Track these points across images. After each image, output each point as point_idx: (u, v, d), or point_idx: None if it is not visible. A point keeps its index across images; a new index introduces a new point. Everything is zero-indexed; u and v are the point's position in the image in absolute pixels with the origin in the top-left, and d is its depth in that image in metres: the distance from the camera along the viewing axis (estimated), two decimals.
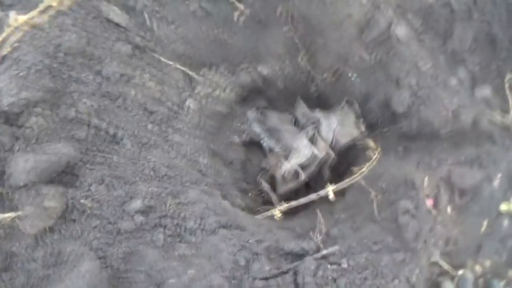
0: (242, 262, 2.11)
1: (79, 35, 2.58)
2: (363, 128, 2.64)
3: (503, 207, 2.24)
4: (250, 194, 2.92)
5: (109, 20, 2.78)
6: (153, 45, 2.85)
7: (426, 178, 2.18)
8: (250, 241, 2.17)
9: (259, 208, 2.63)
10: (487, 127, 2.34)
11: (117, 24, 2.80)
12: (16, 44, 2.57)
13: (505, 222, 2.24)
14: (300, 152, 2.59)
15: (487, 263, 2.16)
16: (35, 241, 2.35)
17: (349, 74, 2.61)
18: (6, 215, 2.35)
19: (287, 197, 2.78)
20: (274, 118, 3.07)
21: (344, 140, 2.60)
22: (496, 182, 2.26)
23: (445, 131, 2.30)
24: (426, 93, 2.31)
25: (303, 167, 2.62)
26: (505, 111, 2.45)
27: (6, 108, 2.32)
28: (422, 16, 2.45)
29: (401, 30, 2.36)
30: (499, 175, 2.27)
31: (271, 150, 2.93)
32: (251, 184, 2.94)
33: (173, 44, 2.89)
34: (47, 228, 2.32)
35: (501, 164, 2.31)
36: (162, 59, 2.86)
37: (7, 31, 2.65)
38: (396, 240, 2.13)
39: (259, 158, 3.08)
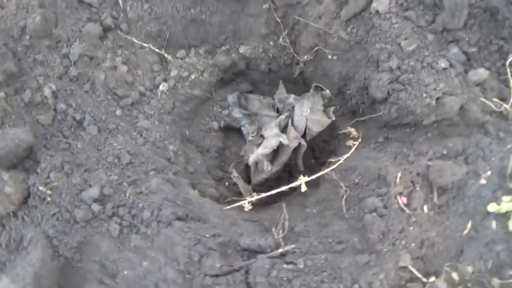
0: (196, 257, 2.00)
1: (46, 17, 2.50)
2: (333, 116, 2.41)
3: (492, 207, 1.96)
4: (227, 183, 2.78)
5: (80, 1, 2.68)
6: (126, 26, 2.73)
7: (399, 174, 1.95)
8: (206, 235, 2.05)
9: (229, 199, 2.49)
10: (478, 115, 2.05)
11: (89, 4, 2.70)
12: None
13: (493, 224, 1.97)
14: (268, 142, 2.41)
15: (469, 269, 1.92)
16: (1, 225, 2.35)
17: (329, 56, 2.37)
18: None
19: (262, 189, 2.62)
20: (256, 103, 2.90)
21: (316, 128, 2.39)
22: (484, 180, 1.98)
23: (429, 121, 2.03)
24: (408, 78, 2.04)
25: (274, 157, 2.45)
26: (503, 99, 2.14)
27: None
28: None
29: (382, 5, 2.09)
30: (489, 172, 1.99)
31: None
32: (228, 172, 2.80)
33: (147, 25, 2.77)
34: (11, 213, 2.32)
35: (492, 159, 2.02)
36: (136, 41, 2.74)
37: None
38: (361, 241, 1.93)
39: (239, 145, 2.93)
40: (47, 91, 2.44)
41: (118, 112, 2.54)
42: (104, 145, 2.44)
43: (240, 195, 2.72)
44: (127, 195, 2.22)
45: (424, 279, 1.88)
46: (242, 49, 2.86)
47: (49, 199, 2.23)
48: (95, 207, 2.17)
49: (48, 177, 2.25)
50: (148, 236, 2.12)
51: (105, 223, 2.17)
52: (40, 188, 2.22)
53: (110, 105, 2.55)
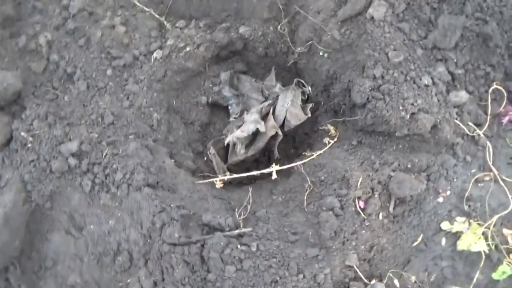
0: (158, 224, 2.10)
1: None
2: (309, 113, 2.46)
3: (445, 225, 2.07)
4: (205, 158, 2.86)
5: None
6: None
7: (361, 179, 2.03)
8: (172, 205, 2.15)
9: (203, 174, 2.58)
10: (449, 136, 2.12)
11: None
12: None
13: (443, 241, 2.08)
14: (246, 126, 2.48)
15: (412, 279, 2.04)
16: None
17: (321, 53, 2.40)
18: None
19: (238, 169, 2.71)
20: (247, 85, 2.94)
21: (293, 122, 2.45)
22: (442, 198, 2.07)
23: (401, 133, 2.10)
24: (389, 88, 2.09)
25: (251, 141, 2.52)
26: (478, 124, 2.20)
27: None
28: (408, 1, 2.17)
29: (378, 12, 2.11)
30: (448, 192, 2.08)
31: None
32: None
33: None
34: None
35: (454, 180, 2.11)
36: (137, 3, 2.75)
37: None
38: (314, 236, 2.04)
39: (224, 124, 2.99)
40: (42, 40, 2.48)
41: (109, 72, 2.59)
42: (90, 102, 2.50)
43: (215, 170, 2.82)
44: (104, 154, 2.31)
45: (366, 281, 1.99)
46: (241, 29, 2.87)
47: (29, 145, 2.32)
48: (72, 161, 2.26)
49: (32, 124, 2.33)
50: (117, 197, 2.22)
51: (78, 177, 2.27)
52: (22, 133, 2.30)
53: (102, 63, 2.59)
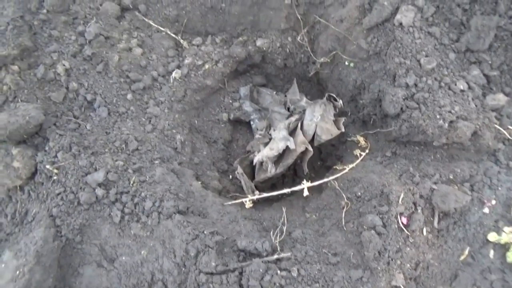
0: (193, 253, 2.03)
1: None
2: (342, 128, 2.38)
3: (492, 237, 1.97)
4: (230, 176, 2.79)
5: None
6: (144, 8, 2.68)
7: (402, 194, 1.94)
8: (205, 232, 2.08)
9: (231, 195, 2.51)
10: (491, 143, 2.02)
11: None
12: None
13: (491, 253, 1.98)
14: (275, 144, 2.40)
15: None
16: (8, 197, 2.41)
17: (346, 62, 2.32)
18: None
19: (265, 186, 2.64)
20: (268, 98, 2.87)
21: (324, 136, 2.37)
22: (487, 208, 1.97)
23: (439, 142, 2.01)
24: (423, 97, 2.00)
25: (279, 158, 2.44)
26: None
27: None
28: (437, 4, 2.08)
29: (407, 18, 2.02)
30: (494, 201, 1.98)
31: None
32: (233, 165, 2.81)
33: (166, 8, 2.71)
34: (18, 187, 2.37)
35: (499, 188, 2.01)
36: (153, 24, 2.70)
37: None
38: (357, 256, 1.95)
39: (247, 139, 2.92)
40: (60, 68, 2.43)
41: (129, 96, 2.54)
42: (113, 128, 2.45)
43: (242, 188, 2.74)
44: (131, 182, 2.25)
45: None
46: (259, 42, 2.81)
47: (55, 177, 2.27)
48: (99, 191, 2.20)
49: (56, 156, 2.28)
50: (148, 226, 2.16)
51: (107, 208, 2.21)
52: (47, 166, 2.25)
53: (122, 88, 2.54)
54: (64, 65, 2.44)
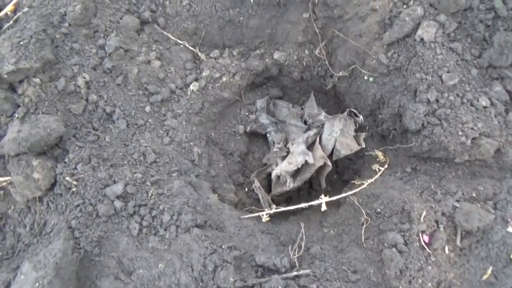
0: (211, 267, 2.02)
1: (86, 6, 2.50)
2: (363, 143, 2.36)
3: None
4: (246, 189, 2.79)
5: None
6: (163, 21, 2.71)
7: (424, 212, 1.91)
8: (223, 246, 2.07)
9: (248, 208, 2.50)
10: None
11: None
12: (26, 9, 2.56)
13: None
14: (293, 158, 2.39)
15: None
16: (27, 208, 2.43)
17: (365, 77, 2.31)
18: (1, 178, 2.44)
19: (281, 199, 2.63)
20: (285, 111, 2.86)
21: (344, 151, 2.35)
22: (511, 228, 1.93)
23: (461, 159, 1.98)
24: (445, 113, 1.98)
25: (297, 172, 2.43)
26: None
27: (6, 76, 2.34)
28: (459, 20, 2.07)
29: (428, 34, 2.01)
30: None
31: (274, 145, 2.76)
32: (249, 178, 2.80)
33: (184, 22, 2.73)
34: (37, 198, 2.39)
35: None
36: (171, 37, 2.72)
37: None
38: (377, 274, 1.92)
39: (263, 152, 2.92)
40: (80, 81, 2.46)
41: (148, 108, 2.55)
42: (131, 140, 2.47)
43: (258, 201, 2.73)
44: (149, 195, 2.25)
45: None
46: (276, 55, 2.82)
47: (74, 189, 2.28)
48: (118, 203, 2.21)
49: (75, 168, 2.29)
50: (166, 239, 2.16)
51: (125, 220, 2.21)
52: (67, 178, 2.27)
53: (141, 100, 2.56)
54: (84, 77, 2.47)
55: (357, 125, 2.42)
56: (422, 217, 1.92)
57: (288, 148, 2.55)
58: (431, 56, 2.04)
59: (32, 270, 2.06)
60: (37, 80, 2.39)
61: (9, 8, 2.62)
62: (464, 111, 1.98)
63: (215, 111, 2.75)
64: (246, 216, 2.43)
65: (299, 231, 2.28)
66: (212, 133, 2.76)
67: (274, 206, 2.43)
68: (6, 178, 2.44)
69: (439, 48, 2.04)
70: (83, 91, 2.47)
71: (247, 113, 2.91)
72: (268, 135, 2.86)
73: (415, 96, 2.07)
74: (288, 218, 2.59)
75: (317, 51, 2.66)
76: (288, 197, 2.81)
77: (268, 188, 2.72)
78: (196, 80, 2.70)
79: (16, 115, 2.43)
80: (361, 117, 2.36)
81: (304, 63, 2.83)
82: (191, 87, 2.66)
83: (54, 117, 2.34)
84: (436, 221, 1.92)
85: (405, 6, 2.11)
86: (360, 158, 2.60)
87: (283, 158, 2.52)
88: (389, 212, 2.06)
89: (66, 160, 2.33)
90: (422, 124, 2.03)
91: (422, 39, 2.04)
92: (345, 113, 2.44)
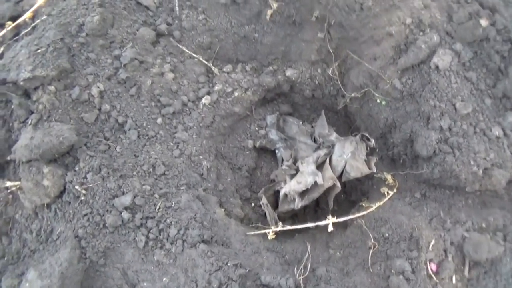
0: (216, 284, 2.02)
1: (104, 17, 2.53)
2: (374, 168, 2.36)
3: None
4: (253, 204, 2.79)
5: (138, 3, 2.70)
6: (178, 34, 2.74)
7: (433, 240, 1.91)
8: (228, 263, 2.07)
9: (254, 225, 2.50)
10: None
11: (146, 7, 2.72)
12: (44, 17, 2.59)
13: None
14: (303, 178, 2.39)
15: None
16: (34, 214, 2.44)
17: (378, 100, 2.32)
18: (9, 183, 2.46)
19: (287, 215, 2.62)
20: (295, 128, 2.87)
21: (353, 174, 2.35)
22: None
23: (472, 189, 1.97)
24: (458, 142, 1.98)
25: (305, 191, 2.43)
26: None
27: (22, 83, 2.37)
28: (475, 49, 2.08)
29: (443, 62, 2.02)
30: None
31: (283, 162, 2.76)
32: (256, 193, 2.81)
33: (199, 35, 2.76)
34: (45, 205, 2.40)
35: None
36: (186, 50, 2.74)
37: (38, 2, 2.67)
38: None
39: (271, 168, 2.92)
40: (94, 90, 2.48)
41: (159, 120, 2.57)
42: (142, 152, 2.48)
43: (264, 217, 2.73)
44: (157, 207, 2.26)
45: None
46: (289, 72, 2.83)
47: (82, 198, 2.29)
48: (125, 215, 2.22)
49: (85, 177, 2.31)
50: (172, 253, 2.16)
51: (132, 232, 2.22)
52: (76, 187, 2.28)
53: (152, 112, 2.58)
54: (98, 87, 2.49)
55: (369, 149, 2.43)
56: (431, 245, 1.91)
57: (297, 167, 2.55)
58: (445, 84, 2.04)
59: (37, 279, 2.07)
60: (52, 88, 2.41)
61: (27, 15, 2.65)
62: (476, 140, 1.98)
63: (225, 125, 2.76)
64: (252, 233, 2.42)
65: (304, 251, 2.28)
66: (222, 147, 2.77)
67: (280, 224, 2.42)
68: (16, 183, 2.45)
69: (454, 76, 2.04)
70: (96, 100, 2.49)
71: (257, 128, 2.91)
72: (277, 151, 2.86)
73: (428, 123, 2.08)
74: (294, 236, 2.58)
75: (330, 71, 2.67)
76: (294, 214, 2.81)
77: (275, 205, 2.72)
78: (209, 93, 2.71)
79: (30, 121, 2.45)
80: (373, 141, 2.36)
81: (316, 82, 2.85)
82: (203, 100, 2.67)
83: (67, 125, 2.36)
84: (445, 250, 1.91)
85: (421, 33, 2.12)
86: (369, 179, 2.60)
87: (292, 176, 2.53)
88: (397, 237, 2.05)
89: (77, 168, 2.35)
90: (434, 151, 2.03)
91: (437, 66, 2.05)
92: (357, 136, 2.44)
